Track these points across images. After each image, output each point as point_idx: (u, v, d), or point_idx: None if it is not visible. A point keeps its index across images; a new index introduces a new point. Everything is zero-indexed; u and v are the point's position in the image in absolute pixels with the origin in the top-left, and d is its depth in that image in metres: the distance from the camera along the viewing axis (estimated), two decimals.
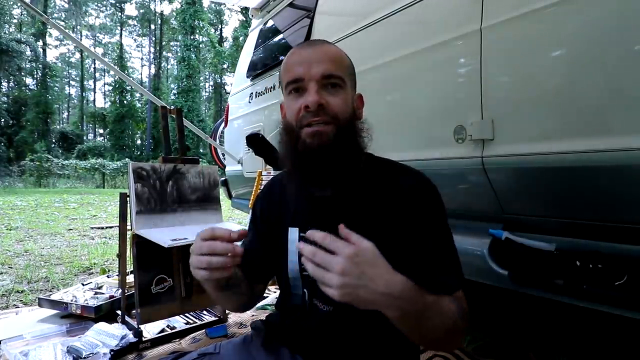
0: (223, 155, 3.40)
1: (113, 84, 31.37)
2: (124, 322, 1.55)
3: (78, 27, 32.39)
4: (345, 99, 0.70)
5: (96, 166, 20.40)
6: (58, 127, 29.78)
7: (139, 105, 30.88)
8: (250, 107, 2.77)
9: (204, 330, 1.58)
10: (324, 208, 0.73)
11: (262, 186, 2.47)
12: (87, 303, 1.73)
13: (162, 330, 1.58)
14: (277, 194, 0.83)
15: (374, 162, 0.77)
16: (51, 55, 33.89)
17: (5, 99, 25.95)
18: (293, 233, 0.77)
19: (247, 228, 0.67)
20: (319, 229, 0.66)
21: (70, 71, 36.26)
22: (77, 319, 1.71)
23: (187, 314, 1.72)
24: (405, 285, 0.54)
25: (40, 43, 27.63)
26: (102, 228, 4.93)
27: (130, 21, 36.16)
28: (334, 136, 0.68)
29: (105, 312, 1.73)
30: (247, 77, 2.82)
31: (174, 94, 27.38)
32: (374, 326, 0.69)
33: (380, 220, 0.70)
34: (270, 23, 2.78)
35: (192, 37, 26.68)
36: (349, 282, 0.50)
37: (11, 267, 2.83)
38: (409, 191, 0.71)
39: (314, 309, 0.75)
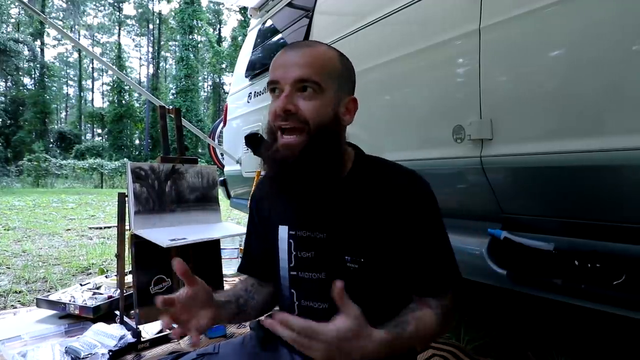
0: (222, 155, 3.40)
1: (111, 84, 31.22)
2: (122, 323, 1.55)
3: (76, 26, 32.29)
4: (320, 105, 0.67)
5: (94, 166, 20.33)
6: (56, 127, 29.70)
7: (137, 105, 30.79)
8: (249, 106, 2.76)
9: None
10: (312, 207, 0.73)
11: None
12: (86, 303, 1.73)
13: (161, 331, 1.58)
14: (267, 192, 0.83)
15: (365, 160, 0.77)
16: (49, 55, 33.68)
17: (3, 98, 25.90)
18: (283, 231, 0.77)
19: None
20: (308, 227, 0.72)
21: (68, 71, 36.15)
22: (75, 319, 1.70)
23: None
24: (382, 343, 0.58)
25: (38, 43, 27.54)
26: (101, 228, 4.92)
27: (128, 21, 36.08)
28: (305, 147, 0.66)
29: (104, 313, 1.72)
30: (246, 76, 2.82)
31: (173, 94, 27.34)
32: (370, 323, 0.69)
33: (371, 220, 0.70)
34: (269, 23, 2.78)
35: (190, 37, 26.62)
36: (332, 357, 0.55)
37: (9, 268, 2.82)
38: (402, 191, 0.71)
39: (308, 309, 0.75)
